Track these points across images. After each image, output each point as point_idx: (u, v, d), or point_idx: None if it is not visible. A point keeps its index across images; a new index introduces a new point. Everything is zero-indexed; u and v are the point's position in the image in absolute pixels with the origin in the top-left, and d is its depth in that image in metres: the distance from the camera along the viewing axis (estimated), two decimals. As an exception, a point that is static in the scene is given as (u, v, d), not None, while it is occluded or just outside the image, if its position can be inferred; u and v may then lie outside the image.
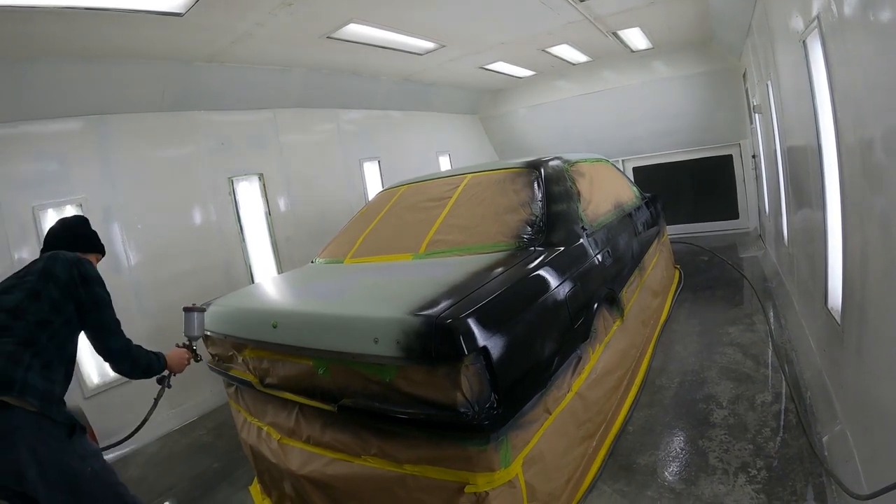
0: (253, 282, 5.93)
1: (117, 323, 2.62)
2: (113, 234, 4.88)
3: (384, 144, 8.37)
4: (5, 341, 2.19)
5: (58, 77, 4.45)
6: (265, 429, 3.15)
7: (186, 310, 3.08)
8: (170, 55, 4.97)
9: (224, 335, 3.20)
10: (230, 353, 3.25)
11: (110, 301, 2.61)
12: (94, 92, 4.78)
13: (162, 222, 5.30)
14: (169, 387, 3.01)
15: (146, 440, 4.65)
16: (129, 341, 2.65)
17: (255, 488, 3.59)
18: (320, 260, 4.12)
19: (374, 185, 8.01)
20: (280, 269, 6.27)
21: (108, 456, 3.63)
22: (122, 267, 4.92)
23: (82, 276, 2.52)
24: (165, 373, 2.91)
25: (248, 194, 6.17)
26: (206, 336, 3.43)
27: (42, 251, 2.70)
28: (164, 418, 4.83)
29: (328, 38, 5.27)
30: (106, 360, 2.63)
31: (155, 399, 3.05)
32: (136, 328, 4.40)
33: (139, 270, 5.00)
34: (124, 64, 4.77)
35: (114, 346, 2.58)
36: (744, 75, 7.61)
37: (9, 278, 2.51)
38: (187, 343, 3.06)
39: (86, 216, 3.03)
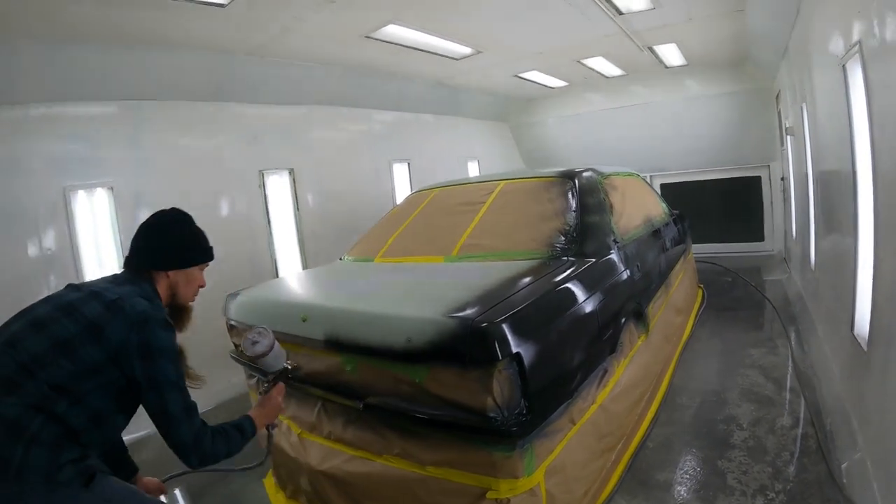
0: (277, 275, 5.97)
1: (188, 410, 1.90)
2: (142, 220, 4.91)
3: (414, 147, 8.40)
4: (10, 403, 1.67)
5: (95, 60, 4.51)
6: (285, 422, 3.16)
7: (256, 357, 2.31)
8: (209, 46, 5.01)
9: (250, 326, 3.19)
10: (254, 344, 3.25)
11: (179, 380, 1.92)
12: (130, 77, 4.84)
13: (191, 210, 5.23)
14: (274, 427, 2.37)
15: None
16: (201, 432, 1.92)
17: (270, 481, 3.60)
18: (349, 258, 4.13)
19: (402, 187, 8.04)
20: (305, 265, 6.32)
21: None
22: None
23: (144, 345, 1.84)
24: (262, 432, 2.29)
25: (278, 188, 6.22)
26: (231, 326, 3.46)
27: (126, 261, 2.11)
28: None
29: (367, 37, 5.30)
30: (176, 453, 1.92)
31: (268, 444, 2.43)
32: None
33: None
34: (163, 52, 4.82)
35: (178, 441, 1.88)
36: (777, 96, 7.55)
37: (48, 302, 1.92)
38: (271, 378, 2.37)
39: (186, 213, 2.28)
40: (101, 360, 1.77)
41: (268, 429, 2.31)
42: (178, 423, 1.86)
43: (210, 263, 2.25)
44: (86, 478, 1.71)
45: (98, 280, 2.05)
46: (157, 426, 1.88)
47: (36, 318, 1.82)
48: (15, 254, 4.19)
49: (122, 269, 2.10)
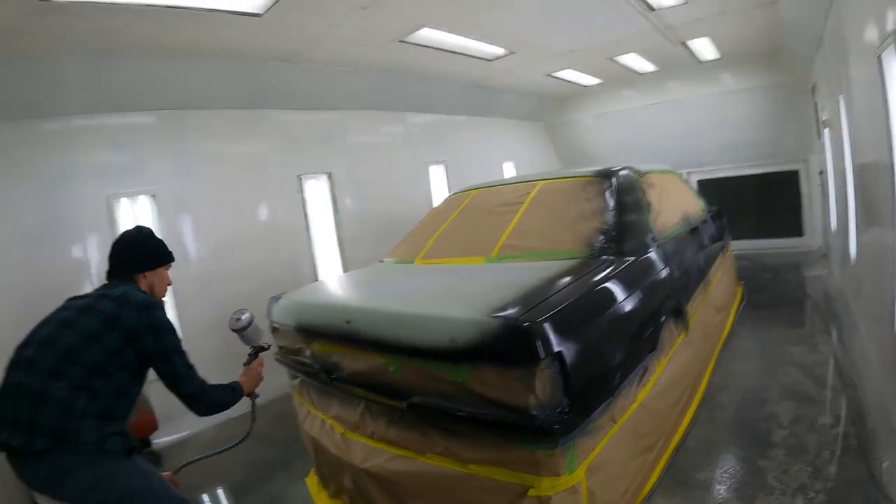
0: (317, 279, 6.06)
1: (190, 368, 2.48)
2: (183, 226, 5.07)
3: (450, 148, 8.45)
4: (59, 385, 2.12)
5: (135, 72, 4.65)
6: (329, 422, 3.21)
7: (237, 330, 2.95)
8: (246, 54, 5.13)
9: (295, 328, 3.27)
10: (298, 346, 3.32)
11: (180, 347, 2.47)
12: (169, 87, 4.97)
13: (231, 216, 5.49)
14: (257, 396, 2.92)
15: (204, 426, 4.77)
16: (203, 384, 2.51)
17: (312, 480, 3.66)
18: (390, 259, 4.17)
19: (439, 189, 8.08)
20: (345, 268, 6.40)
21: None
22: (191, 258, 5.10)
23: (152, 325, 2.36)
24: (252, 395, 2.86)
25: (317, 192, 6.32)
26: (275, 328, 3.53)
27: (108, 272, 2.59)
28: (221, 406, 4.96)
29: (400, 41, 5.37)
30: (183, 402, 2.49)
31: (252, 412, 2.98)
32: (200, 316, 4.55)
33: (208, 262, 5.16)
34: (201, 62, 4.95)
35: (187, 392, 2.44)
36: (813, 89, 7.41)
37: (68, 308, 2.40)
38: (252, 351, 2.96)
39: (149, 227, 2.82)
40: (121, 344, 2.27)
41: (251, 397, 2.88)
42: (185, 378, 2.42)
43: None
44: (128, 448, 2.20)
45: (95, 289, 2.54)
46: (170, 386, 2.42)
47: (63, 320, 2.29)
48: (61, 258, 4.35)
49: (106, 280, 2.59)
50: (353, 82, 6.44)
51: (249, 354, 2.94)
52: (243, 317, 2.93)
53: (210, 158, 5.36)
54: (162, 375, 2.41)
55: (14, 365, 2.23)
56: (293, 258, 5.95)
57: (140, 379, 2.43)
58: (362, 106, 6.89)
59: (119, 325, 2.28)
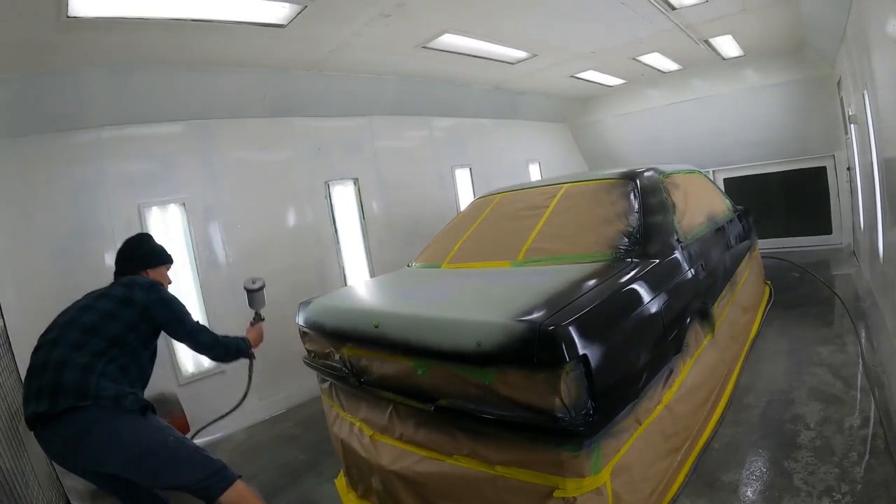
0: (346, 283, 6.14)
1: (200, 326, 2.96)
2: (213, 233, 5.17)
3: (475, 152, 8.48)
4: (81, 354, 2.46)
5: (163, 83, 4.76)
6: (357, 424, 3.26)
7: (247, 290, 3.57)
8: (270, 64, 5.22)
9: (324, 333, 3.32)
10: (327, 350, 3.37)
11: (187, 311, 2.94)
12: (196, 98, 5.07)
13: (260, 222, 5.58)
14: (253, 357, 3.40)
15: (234, 428, 4.88)
16: (215, 335, 3.01)
17: (341, 481, 3.71)
18: (417, 264, 4.22)
19: (465, 192, 8.12)
20: (372, 273, 6.46)
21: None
22: (221, 264, 5.19)
23: (160, 300, 2.82)
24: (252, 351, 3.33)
25: (344, 198, 6.40)
26: (304, 333, 3.60)
27: (115, 273, 3.04)
28: (251, 409, 5.04)
29: (423, 47, 5.42)
30: (203, 354, 3.04)
31: (249, 373, 3.60)
32: (229, 321, 4.63)
33: (237, 267, 5.25)
34: (226, 72, 5.05)
35: (205, 343, 2.95)
36: (838, 83, 7.31)
37: (85, 298, 2.78)
38: (256, 315, 3.57)
39: (147, 232, 3.47)
40: (136, 318, 2.70)
41: (249, 357, 3.35)
42: (198, 333, 2.93)
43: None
44: (142, 407, 2.49)
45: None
46: (190, 345, 2.94)
47: (82, 306, 2.69)
48: (94, 266, 4.45)
49: (114, 280, 2.98)
50: (378, 89, 6.51)
51: (252, 319, 3.54)
52: (258, 282, 3.59)
53: (238, 166, 5.46)
54: (180, 337, 2.92)
55: (37, 349, 2.55)
56: (321, 263, 6.02)
57: (152, 349, 2.85)
58: (387, 112, 6.95)
59: (132, 303, 2.72)
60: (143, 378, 2.80)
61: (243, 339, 3.21)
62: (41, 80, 4.14)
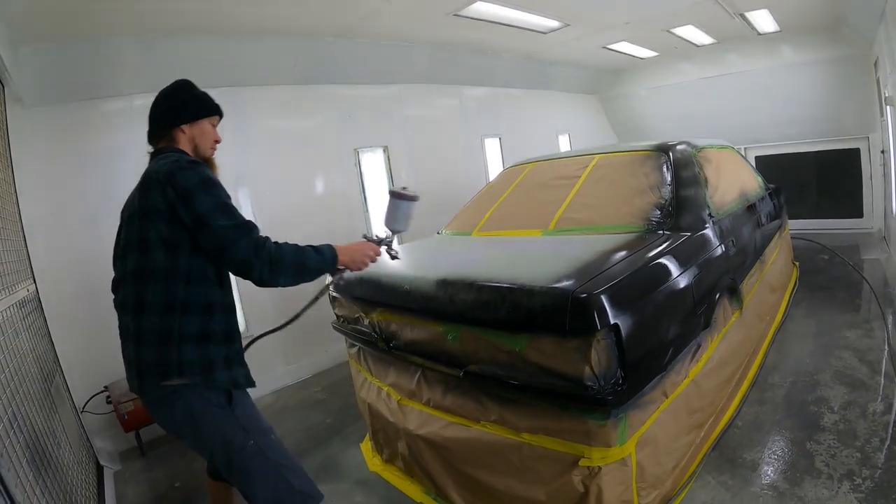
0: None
1: (238, 227, 2.03)
2: (242, 200, 5.20)
3: (505, 122, 8.44)
4: (149, 318, 2.00)
5: (192, 51, 4.77)
6: (385, 389, 3.30)
7: (395, 195, 2.64)
8: (300, 31, 5.20)
9: (353, 297, 3.34)
10: (356, 315, 3.40)
11: (219, 205, 2.03)
12: (226, 66, 5.07)
13: (289, 190, 5.62)
14: (340, 282, 2.60)
15: (261, 392, 4.97)
16: (260, 240, 2.06)
17: (366, 445, 3.78)
18: (447, 231, 4.23)
19: (494, 162, 8.11)
20: (401, 240, 6.43)
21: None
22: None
23: (179, 194, 1.99)
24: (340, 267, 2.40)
25: (373, 165, 6.43)
26: (334, 298, 3.64)
27: (148, 134, 2.33)
28: (279, 374, 5.16)
29: (454, 15, 5.35)
30: (243, 276, 2.08)
31: (315, 296, 2.69)
32: (258, 292, 4.69)
33: (267, 234, 5.28)
34: (256, 40, 5.04)
35: (237, 258, 2.02)
36: (875, 63, 7.13)
37: (121, 224, 2.21)
38: (383, 237, 2.62)
39: (187, 79, 2.48)
40: (169, 233, 2.00)
41: (339, 272, 2.43)
42: (231, 242, 2.00)
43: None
44: (228, 393, 2.09)
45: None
46: (219, 261, 2.07)
47: (124, 246, 2.13)
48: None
49: (148, 142, 2.33)
50: (408, 56, 6.47)
51: (377, 240, 2.59)
52: (411, 193, 2.66)
53: (268, 134, 5.48)
54: (209, 249, 2.04)
55: (116, 308, 2.17)
56: (350, 230, 6.01)
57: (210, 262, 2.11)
58: (418, 80, 6.93)
59: (151, 213, 2.02)
60: (228, 323, 2.19)
61: (316, 248, 2.27)
62: (73, 49, 4.17)
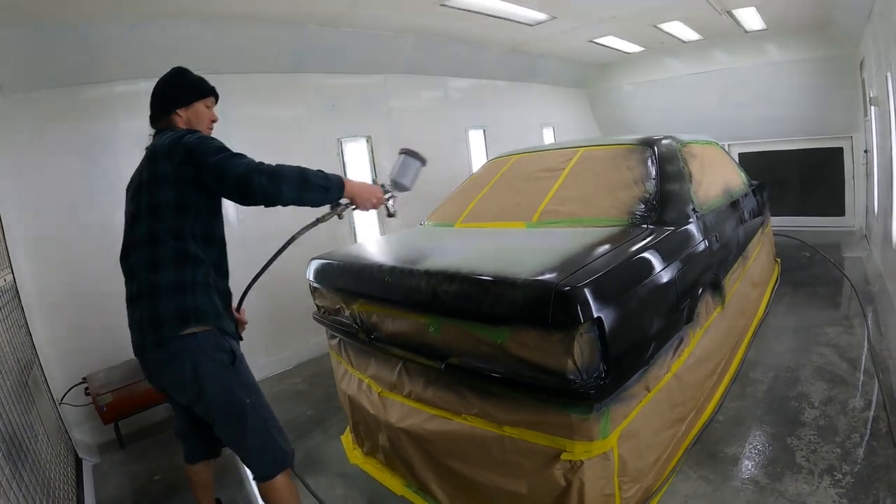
0: (356, 241, 6.12)
1: (231, 154, 2.21)
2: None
3: (490, 113, 8.42)
4: (164, 271, 2.19)
5: (175, 37, 4.67)
6: (366, 381, 3.27)
7: (408, 152, 2.82)
8: (285, 18, 5.12)
9: (335, 289, 3.32)
10: (337, 307, 3.37)
11: (215, 149, 2.21)
12: (209, 52, 4.97)
13: (272, 178, 5.52)
14: (340, 217, 2.68)
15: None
16: (253, 160, 2.22)
17: (347, 438, 3.76)
18: (430, 223, 4.19)
19: (478, 154, 8.10)
20: (382, 231, 6.46)
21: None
22: (232, 220, 5.16)
23: (184, 153, 2.20)
24: (343, 202, 2.55)
25: (356, 155, 6.38)
26: (314, 289, 3.60)
27: (150, 118, 2.52)
28: (260, 365, 5.09)
29: (441, 5, 5.30)
30: (238, 194, 2.21)
31: (317, 219, 2.77)
32: (242, 279, 4.64)
33: (247, 223, 5.22)
34: (241, 26, 4.96)
35: (232, 175, 2.15)
36: (861, 64, 7.18)
37: (129, 200, 2.39)
38: (387, 187, 2.77)
39: (182, 67, 2.60)
40: (180, 195, 2.21)
41: (342, 205, 2.60)
42: (229, 165, 2.15)
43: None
44: (231, 355, 2.31)
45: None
46: (222, 188, 2.21)
47: (131, 217, 2.34)
48: (106, 224, 4.44)
49: (150, 125, 2.53)
50: (394, 46, 6.41)
51: (382, 184, 2.76)
52: (420, 155, 2.85)
53: (250, 122, 5.40)
54: (213, 186, 2.21)
55: (125, 277, 2.34)
56: (332, 220, 5.98)
57: (216, 216, 2.41)
58: (403, 70, 6.87)
59: (160, 179, 2.22)
60: (222, 269, 2.45)
61: (323, 172, 2.40)
62: (54, 32, 4.08)
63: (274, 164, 2.23)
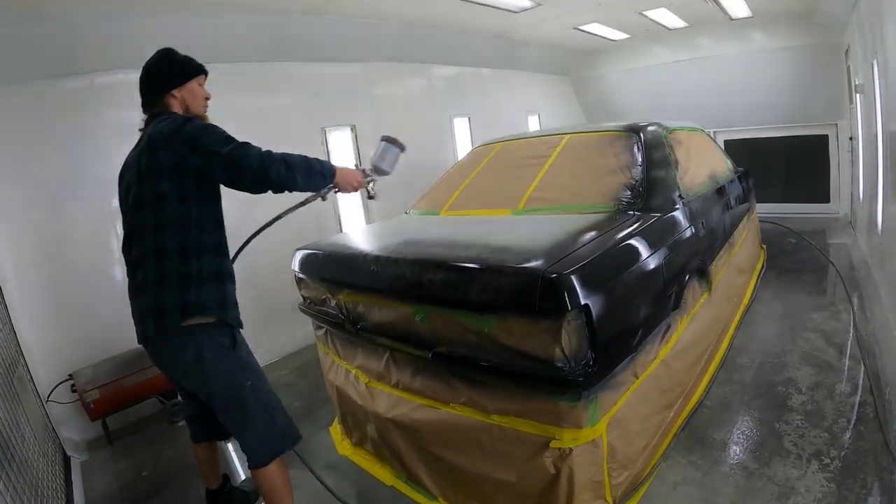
0: (341, 230, 6.09)
1: (230, 139, 2.28)
2: (208, 179, 5.08)
3: (474, 101, 8.39)
4: (170, 262, 2.23)
5: (155, 26, 4.58)
6: (353, 371, 3.26)
7: (387, 139, 2.93)
8: (268, 7, 5.06)
9: (320, 278, 3.29)
10: (323, 297, 3.34)
11: (218, 136, 2.26)
12: (191, 41, 4.82)
13: (255, 169, 5.46)
14: (323, 199, 2.77)
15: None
16: (265, 150, 2.31)
17: (335, 429, 3.75)
18: (415, 211, 4.17)
19: (463, 142, 8.06)
20: (368, 220, 6.43)
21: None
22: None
23: (186, 143, 2.22)
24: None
25: (340, 144, 6.33)
26: (300, 279, 3.57)
27: (142, 104, 2.50)
28: (247, 357, 5.06)
29: (424, -9, 5.27)
30: (238, 178, 2.27)
31: (302, 201, 2.85)
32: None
33: (232, 214, 5.10)
34: (222, 15, 4.90)
35: (228, 156, 2.21)
36: (846, 51, 7.20)
37: (126, 187, 2.40)
38: (368, 171, 2.87)
39: (170, 48, 2.61)
40: (184, 182, 2.24)
41: (328, 189, 2.65)
42: (243, 156, 2.22)
43: (206, 77, 2.68)
44: (233, 339, 2.38)
45: (135, 145, 2.48)
46: (235, 178, 2.26)
47: (133, 205, 2.32)
48: (89, 217, 4.40)
49: (142, 111, 2.51)
50: (377, 34, 6.36)
51: (363, 168, 2.88)
52: (399, 141, 2.96)
53: (233, 112, 5.28)
54: (224, 177, 2.27)
55: (128, 267, 2.37)
56: (318, 210, 5.87)
57: (216, 203, 2.42)
58: (386, 58, 6.82)
59: (159, 170, 2.23)
60: (223, 259, 2.45)
61: (319, 161, 2.52)
62: (32, 23, 3.99)
63: (276, 152, 2.34)
